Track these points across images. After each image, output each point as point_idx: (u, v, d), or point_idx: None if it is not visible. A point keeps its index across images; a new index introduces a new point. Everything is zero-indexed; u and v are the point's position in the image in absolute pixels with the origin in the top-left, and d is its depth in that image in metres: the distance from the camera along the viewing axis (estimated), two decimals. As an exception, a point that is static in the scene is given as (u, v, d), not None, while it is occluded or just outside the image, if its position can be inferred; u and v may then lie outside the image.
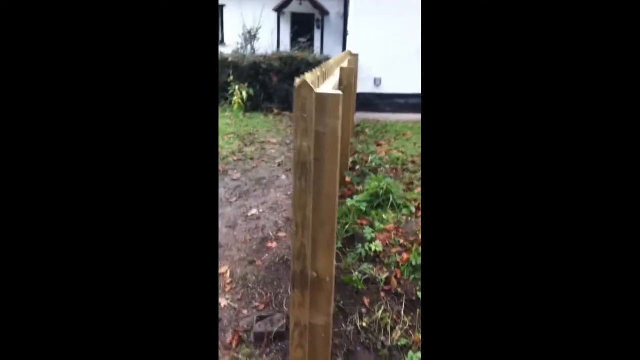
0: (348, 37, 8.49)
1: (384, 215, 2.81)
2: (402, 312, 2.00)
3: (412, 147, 5.15)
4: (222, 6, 12.13)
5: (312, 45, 10.86)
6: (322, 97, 1.42)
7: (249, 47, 10.17)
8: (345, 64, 5.06)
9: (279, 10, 11.56)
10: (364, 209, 2.89)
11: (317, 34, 11.78)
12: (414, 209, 2.95)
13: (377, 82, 8.22)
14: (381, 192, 2.97)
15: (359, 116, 7.49)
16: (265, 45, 10.44)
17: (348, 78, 3.86)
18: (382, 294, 2.12)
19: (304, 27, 11.70)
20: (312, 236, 1.58)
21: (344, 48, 9.48)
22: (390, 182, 3.19)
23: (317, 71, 2.19)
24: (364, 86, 8.00)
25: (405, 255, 2.32)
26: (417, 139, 5.53)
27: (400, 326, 1.92)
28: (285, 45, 11.32)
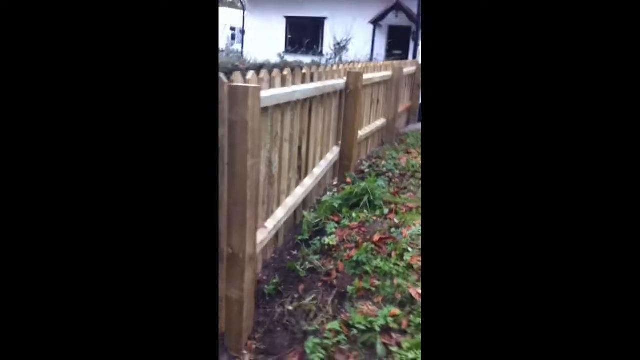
0: (418, 48, 8.33)
1: (353, 214, 2.89)
2: (330, 302, 2.10)
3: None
4: (324, 18, 12.64)
5: (405, 57, 10.97)
6: (233, 89, 1.58)
7: (337, 57, 10.47)
8: (381, 73, 5.13)
9: (375, 22, 11.80)
10: (336, 205, 2.99)
11: (412, 46, 11.85)
12: (387, 211, 3.01)
13: None
14: (356, 191, 3.05)
15: (419, 127, 7.19)
16: (358, 57, 10.79)
17: (355, 83, 3.97)
18: (319, 284, 2.23)
19: (399, 39, 11.89)
20: (227, 215, 1.73)
21: (414, 57, 9.53)
22: (375, 185, 3.25)
23: (281, 72, 2.33)
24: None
25: (353, 251, 2.41)
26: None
27: (323, 314, 2.02)
28: (380, 56, 11.61)
